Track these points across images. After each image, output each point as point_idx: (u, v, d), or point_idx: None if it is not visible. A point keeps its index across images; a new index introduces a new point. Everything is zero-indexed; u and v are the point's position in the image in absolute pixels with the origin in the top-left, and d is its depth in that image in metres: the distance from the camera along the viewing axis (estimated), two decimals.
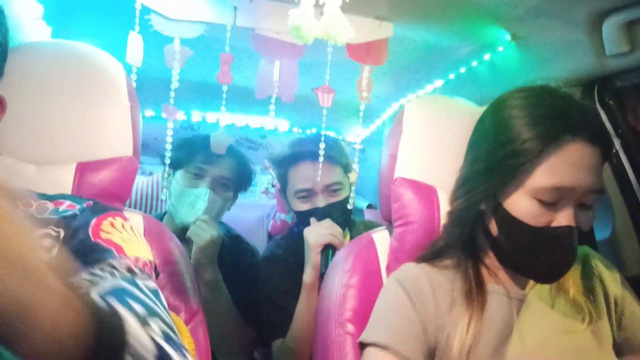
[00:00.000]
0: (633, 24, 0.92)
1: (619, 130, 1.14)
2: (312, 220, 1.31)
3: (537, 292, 0.80)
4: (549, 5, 0.97)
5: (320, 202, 1.31)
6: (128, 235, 0.64)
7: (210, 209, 1.35)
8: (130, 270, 0.57)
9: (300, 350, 1.21)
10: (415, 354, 0.73)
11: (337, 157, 1.34)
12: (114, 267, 0.56)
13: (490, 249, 0.80)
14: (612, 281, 0.83)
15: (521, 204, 0.71)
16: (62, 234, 0.61)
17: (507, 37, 1.13)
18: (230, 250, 1.45)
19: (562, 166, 0.68)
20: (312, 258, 1.23)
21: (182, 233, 1.34)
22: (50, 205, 0.65)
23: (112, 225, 0.64)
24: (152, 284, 0.57)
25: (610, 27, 0.94)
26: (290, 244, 1.42)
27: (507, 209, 0.72)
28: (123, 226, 0.65)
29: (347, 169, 1.37)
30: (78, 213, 0.64)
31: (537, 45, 1.10)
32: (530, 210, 0.70)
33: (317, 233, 1.24)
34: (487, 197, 0.75)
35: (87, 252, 0.57)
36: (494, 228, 0.76)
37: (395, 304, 0.79)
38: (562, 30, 1.01)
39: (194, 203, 1.34)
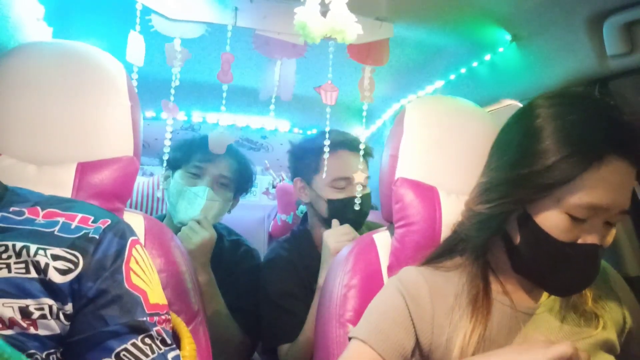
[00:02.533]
0: (633, 24, 0.92)
1: None
2: (334, 222, 1.30)
3: (547, 305, 0.78)
4: (549, 6, 0.97)
5: (357, 192, 1.30)
6: (149, 274, 0.68)
7: (209, 208, 1.33)
8: (164, 342, 0.64)
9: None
10: (390, 356, 0.73)
11: (369, 152, 1.37)
12: (152, 339, 0.62)
13: (506, 255, 0.78)
14: (630, 307, 0.82)
15: (551, 218, 0.69)
16: (80, 260, 0.60)
17: (508, 37, 1.13)
18: (231, 253, 1.43)
19: (602, 185, 0.66)
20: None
21: None
22: (60, 219, 0.64)
23: (137, 262, 0.66)
24: (175, 353, 0.66)
25: (611, 28, 0.94)
26: (293, 246, 1.40)
27: (536, 221, 0.70)
28: (143, 260, 0.68)
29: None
30: (97, 237, 0.63)
31: (537, 46, 1.10)
32: (560, 225, 0.68)
33: (338, 238, 1.24)
34: (518, 207, 0.73)
35: (122, 300, 0.62)
36: (516, 236, 0.74)
37: (389, 304, 0.78)
38: (563, 30, 1.01)
39: (192, 201, 1.32)
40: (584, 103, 0.71)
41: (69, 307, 0.59)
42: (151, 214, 1.82)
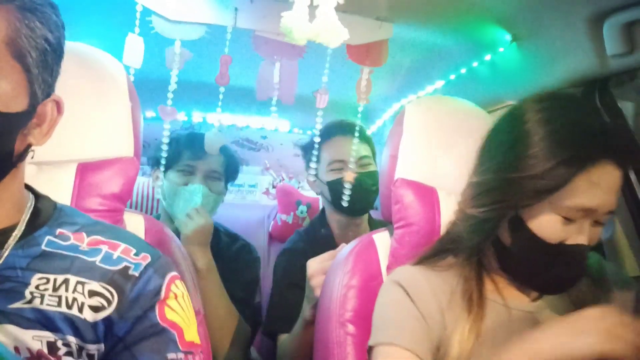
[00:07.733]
0: (633, 24, 0.92)
1: None
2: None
3: (548, 302, 0.78)
4: (549, 6, 0.97)
5: (354, 172, 1.33)
6: (187, 311, 0.66)
7: (205, 204, 1.35)
8: None
9: None
10: (421, 349, 0.72)
11: (365, 135, 1.44)
12: None
13: (496, 256, 0.79)
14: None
15: (541, 219, 0.70)
16: (115, 299, 0.59)
17: (508, 37, 1.13)
18: (227, 248, 1.45)
19: (593, 188, 0.67)
20: (315, 293, 1.06)
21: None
22: (103, 247, 0.63)
23: (176, 297, 0.65)
24: None
25: (611, 28, 0.94)
26: (311, 237, 1.44)
27: (527, 224, 0.71)
28: (183, 296, 0.66)
29: (372, 149, 1.47)
30: (136, 274, 0.62)
31: (537, 46, 1.10)
32: (551, 227, 0.70)
33: (321, 265, 1.08)
34: (511, 211, 0.73)
35: (154, 337, 0.60)
36: (506, 238, 0.75)
37: (394, 302, 0.78)
38: (563, 30, 1.01)
39: (189, 200, 1.34)
40: (571, 107, 0.73)
41: (93, 347, 0.58)
42: (151, 214, 1.82)
